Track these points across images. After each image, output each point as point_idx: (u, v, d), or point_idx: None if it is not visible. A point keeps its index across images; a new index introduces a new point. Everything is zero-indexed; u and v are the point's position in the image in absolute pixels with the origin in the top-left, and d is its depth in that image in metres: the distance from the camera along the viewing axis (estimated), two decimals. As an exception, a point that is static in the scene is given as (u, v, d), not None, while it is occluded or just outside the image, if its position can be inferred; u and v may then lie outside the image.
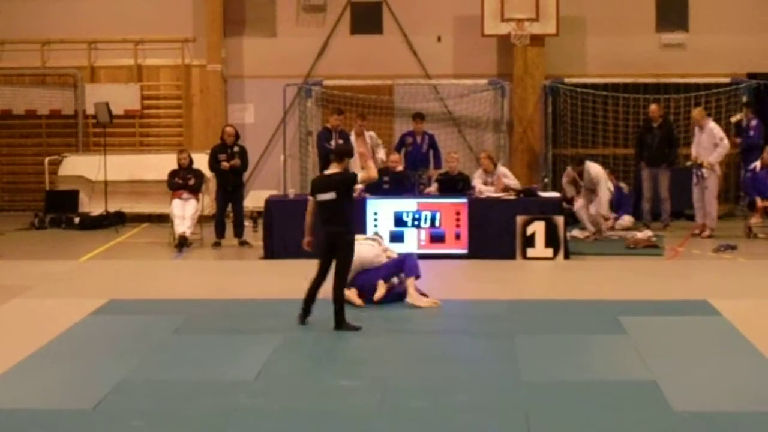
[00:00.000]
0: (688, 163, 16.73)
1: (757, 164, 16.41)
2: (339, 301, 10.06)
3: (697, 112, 16.51)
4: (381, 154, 16.74)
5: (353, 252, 10.20)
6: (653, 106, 17.47)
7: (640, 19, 19.65)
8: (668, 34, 19.72)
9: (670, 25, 19.74)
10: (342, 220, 10.08)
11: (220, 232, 15.76)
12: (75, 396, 7.97)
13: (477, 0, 18.70)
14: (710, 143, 16.14)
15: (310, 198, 10.36)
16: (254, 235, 16.11)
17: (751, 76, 19.07)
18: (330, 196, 10.08)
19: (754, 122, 17.80)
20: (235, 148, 15.87)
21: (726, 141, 16.23)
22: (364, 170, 10.40)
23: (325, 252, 10.15)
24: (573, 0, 19.14)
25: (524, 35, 18.74)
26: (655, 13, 19.76)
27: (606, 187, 16.04)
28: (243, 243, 15.73)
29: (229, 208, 15.93)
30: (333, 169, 10.32)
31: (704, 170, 16.12)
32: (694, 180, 16.39)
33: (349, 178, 10.25)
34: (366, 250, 11.34)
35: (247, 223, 16.55)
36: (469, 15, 19.14)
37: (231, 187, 15.82)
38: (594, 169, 16.10)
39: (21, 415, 7.47)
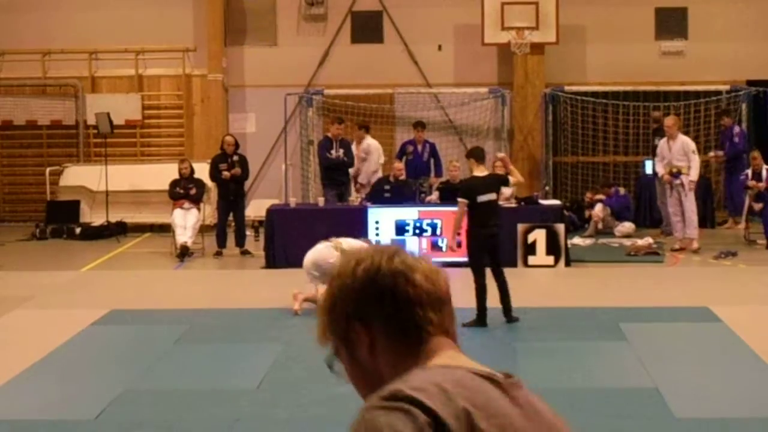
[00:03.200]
0: (661, 175, 15.66)
1: (749, 172, 16.28)
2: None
3: (675, 121, 15.64)
4: (377, 160, 16.74)
5: None
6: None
7: (639, 27, 19.65)
8: (667, 42, 19.71)
9: (669, 33, 19.74)
10: (498, 220, 10.68)
11: (222, 242, 15.77)
12: (77, 406, 7.97)
13: (477, 9, 18.73)
14: (684, 153, 15.29)
15: (465, 200, 10.57)
16: (256, 245, 16.11)
17: (751, 83, 19.07)
18: (492, 196, 10.52)
19: (737, 129, 17.65)
20: (236, 158, 15.89)
21: (697, 155, 15.44)
22: (513, 176, 11.40)
23: (483, 251, 10.45)
24: (573, 9, 19.15)
25: (524, 44, 18.74)
26: (655, 22, 19.75)
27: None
28: (244, 252, 15.74)
29: (231, 217, 15.95)
30: (481, 171, 10.73)
31: (684, 177, 15.23)
32: (668, 192, 15.60)
33: (504, 180, 11.12)
34: (322, 250, 11.13)
35: (249, 232, 16.56)
36: (469, 24, 19.16)
37: (232, 196, 15.83)
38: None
39: (23, 426, 7.47)
